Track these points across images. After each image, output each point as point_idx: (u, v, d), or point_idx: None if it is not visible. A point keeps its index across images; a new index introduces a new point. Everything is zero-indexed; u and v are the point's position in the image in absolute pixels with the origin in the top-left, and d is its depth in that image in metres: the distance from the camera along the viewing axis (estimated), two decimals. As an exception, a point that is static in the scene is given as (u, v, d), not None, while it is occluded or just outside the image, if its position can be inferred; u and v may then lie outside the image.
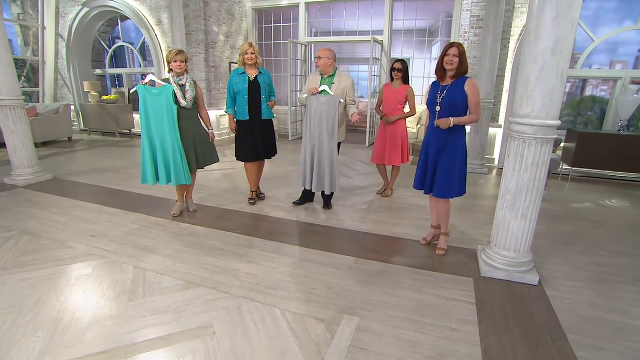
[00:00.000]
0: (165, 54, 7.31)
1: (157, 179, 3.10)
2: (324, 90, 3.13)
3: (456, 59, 2.30)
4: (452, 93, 2.37)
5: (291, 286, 2.21)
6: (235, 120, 3.44)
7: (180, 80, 3.07)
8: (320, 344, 1.71)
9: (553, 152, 4.55)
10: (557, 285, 2.26)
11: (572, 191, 4.43)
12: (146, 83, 3.03)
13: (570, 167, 4.62)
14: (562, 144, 4.76)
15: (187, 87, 3.10)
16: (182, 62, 3.05)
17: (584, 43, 5.37)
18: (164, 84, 3.03)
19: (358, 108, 3.28)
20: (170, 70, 3.08)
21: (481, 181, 4.73)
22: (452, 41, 2.42)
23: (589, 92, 6.02)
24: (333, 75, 3.18)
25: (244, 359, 1.62)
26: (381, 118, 3.78)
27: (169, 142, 3.01)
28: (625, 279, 2.37)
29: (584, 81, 5.86)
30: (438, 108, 2.42)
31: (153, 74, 3.06)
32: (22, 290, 2.12)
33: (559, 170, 4.78)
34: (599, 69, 5.55)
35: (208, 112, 3.39)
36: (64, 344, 1.70)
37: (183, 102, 3.09)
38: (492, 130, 5.26)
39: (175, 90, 3.02)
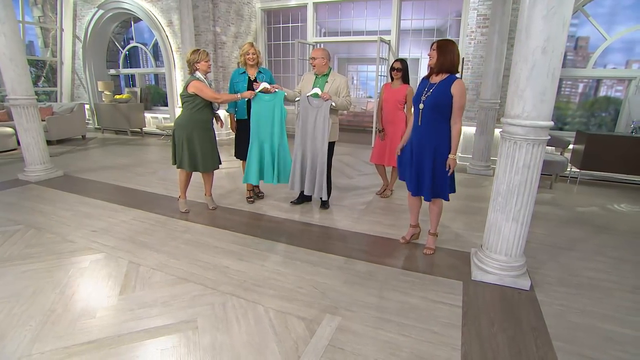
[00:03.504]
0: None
1: (261, 178, 3.38)
2: (315, 94, 3.10)
3: (434, 53, 2.28)
4: (437, 92, 2.30)
5: (278, 284, 2.23)
6: (235, 119, 3.50)
7: (208, 80, 3.14)
8: (299, 342, 1.73)
9: (560, 154, 4.42)
10: (549, 291, 2.21)
11: (579, 194, 4.29)
12: (260, 90, 3.15)
13: (578, 170, 4.47)
14: (571, 146, 4.62)
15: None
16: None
17: (598, 42, 5.19)
18: (276, 90, 3.20)
19: (350, 103, 3.25)
20: (194, 71, 3.06)
21: (485, 183, 4.64)
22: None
23: (603, 92, 5.81)
24: (327, 75, 3.19)
25: (222, 354, 1.65)
26: (380, 131, 3.77)
27: (276, 144, 3.27)
28: (625, 287, 2.29)
29: (598, 81, 5.66)
30: (421, 106, 2.37)
31: (265, 82, 3.22)
32: (21, 281, 2.22)
33: (567, 172, 4.63)
34: (614, 68, 5.35)
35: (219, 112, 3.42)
36: (53, 333, 1.77)
37: (216, 106, 3.20)
38: (497, 131, 5.13)
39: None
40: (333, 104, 3.11)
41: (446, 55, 2.25)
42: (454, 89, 2.25)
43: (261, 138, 3.26)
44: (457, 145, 2.35)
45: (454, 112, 2.30)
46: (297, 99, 3.28)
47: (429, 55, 2.35)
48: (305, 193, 3.36)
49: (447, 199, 2.47)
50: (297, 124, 3.25)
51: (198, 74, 3.07)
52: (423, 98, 2.37)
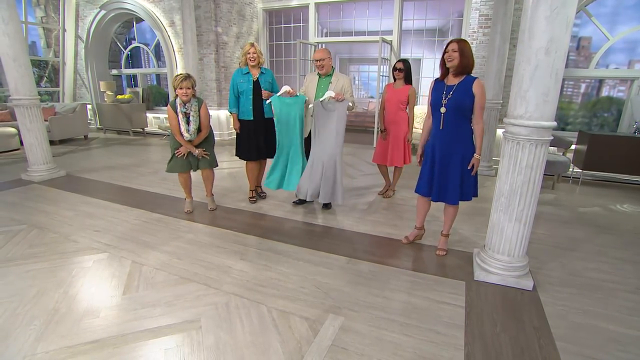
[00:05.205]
0: (177, 57, 7.49)
1: (286, 185, 3.35)
2: (327, 97, 3.05)
3: (455, 54, 2.22)
4: (459, 94, 2.26)
5: (280, 284, 2.23)
6: (238, 118, 3.50)
7: (186, 109, 3.01)
8: (302, 342, 1.73)
9: (562, 154, 4.42)
10: (551, 291, 2.20)
11: (581, 195, 4.28)
12: (281, 94, 3.17)
13: (580, 170, 4.46)
14: (573, 146, 4.61)
15: (191, 118, 3.02)
16: (189, 88, 2.94)
17: (600, 42, 5.18)
18: (297, 93, 3.22)
19: (355, 104, 3.23)
20: (177, 96, 3.00)
21: (487, 183, 4.63)
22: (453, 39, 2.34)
23: (605, 92, 5.80)
24: (331, 75, 3.18)
25: (226, 354, 1.66)
26: (382, 131, 3.78)
27: (296, 149, 3.29)
28: (627, 287, 2.28)
29: (600, 81, 5.65)
30: (443, 110, 2.32)
31: (287, 85, 3.26)
32: (24, 280, 2.23)
33: (569, 173, 4.62)
34: (617, 68, 5.34)
35: (211, 125, 3.29)
36: (57, 333, 1.78)
37: (186, 135, 3.03)
38: (499, 132, 5.14)
39: (180, 121, 3.00)
40: (350, 103, 3.03)
41: (468, 57, 2.22)
42: (476, 88, 2.22)
43: (288, 143, 3.25)
44: (482, 144, 2.34)
45: (475, 111, 2.28)
46: (310, 105, 3.22)
47: (447, 56, 2.26)
48: (322, 201, 3.18)
49: (469, 199, 2.47)
50: (314, 132, 3.12)
51: (177, 100, 2.99)
52: (444, 101, 2.31)
